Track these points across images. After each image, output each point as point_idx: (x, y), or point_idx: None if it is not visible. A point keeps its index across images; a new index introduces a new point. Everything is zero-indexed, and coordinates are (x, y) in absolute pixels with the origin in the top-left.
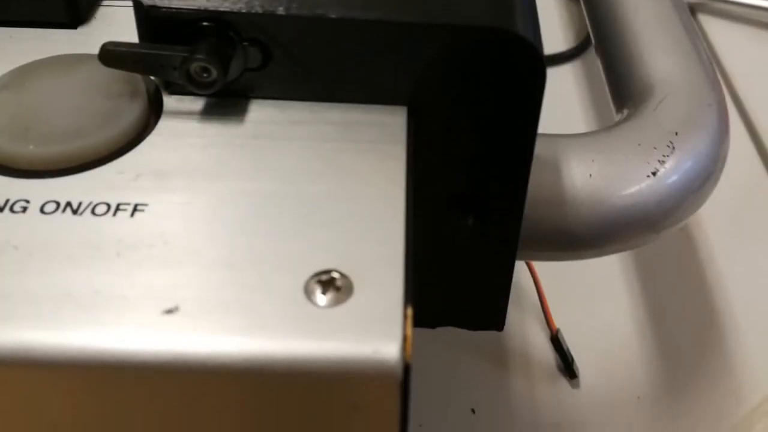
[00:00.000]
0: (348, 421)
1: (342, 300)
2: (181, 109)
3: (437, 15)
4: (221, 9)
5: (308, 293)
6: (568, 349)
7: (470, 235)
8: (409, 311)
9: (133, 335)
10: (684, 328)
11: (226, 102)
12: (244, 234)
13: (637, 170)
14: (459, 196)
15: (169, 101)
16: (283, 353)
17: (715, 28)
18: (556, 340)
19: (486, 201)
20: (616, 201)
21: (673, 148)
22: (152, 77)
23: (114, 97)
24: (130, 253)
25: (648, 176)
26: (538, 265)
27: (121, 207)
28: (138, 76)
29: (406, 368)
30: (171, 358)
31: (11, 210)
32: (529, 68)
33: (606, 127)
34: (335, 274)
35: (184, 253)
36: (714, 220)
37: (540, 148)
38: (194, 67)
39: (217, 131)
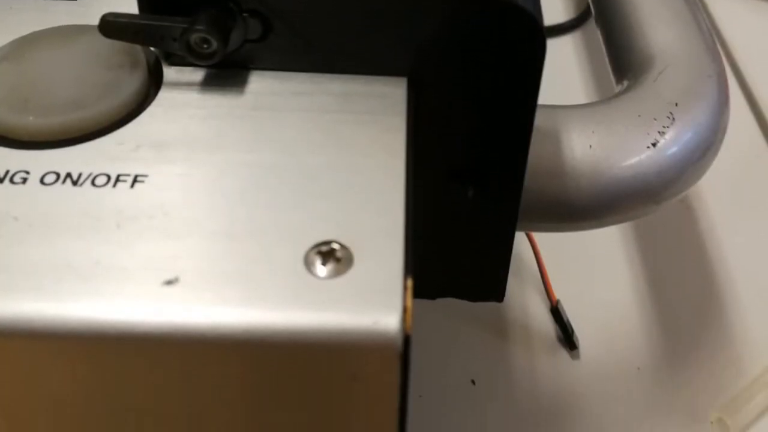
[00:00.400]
0: (348, 392)
1: (342, 271)
2: (181, 81)
3: None
4: None
5: (308, 264)
6: (568, 320)
7: (470, 206)
8: (409, 282)
9: (134, 306)
10: (684, 299)
11: (226, 73)
12: (244, 205)
13: (637, 141)
14: (459, 168)
15: (169, 72)
16: (283, 324)
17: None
18: (556, 312)
19: (486, 172)
20: (616, 172)
21: (673, 119)
22: (152, 48)
23: (114, 68)
24: (130, 224)
25: (648, 147)
26: (538, 237)
27: (121, 178)
28: (138, 47)
29: (406, 339)
30: (171, 329)
31: (11, 181)
32: (529, 39)
33: (606, 99)
34: (335, 245)
35: (184, 224)
36: (714, 192)
37: (540, 120)
38: (194, 38)
39: (217, 102)
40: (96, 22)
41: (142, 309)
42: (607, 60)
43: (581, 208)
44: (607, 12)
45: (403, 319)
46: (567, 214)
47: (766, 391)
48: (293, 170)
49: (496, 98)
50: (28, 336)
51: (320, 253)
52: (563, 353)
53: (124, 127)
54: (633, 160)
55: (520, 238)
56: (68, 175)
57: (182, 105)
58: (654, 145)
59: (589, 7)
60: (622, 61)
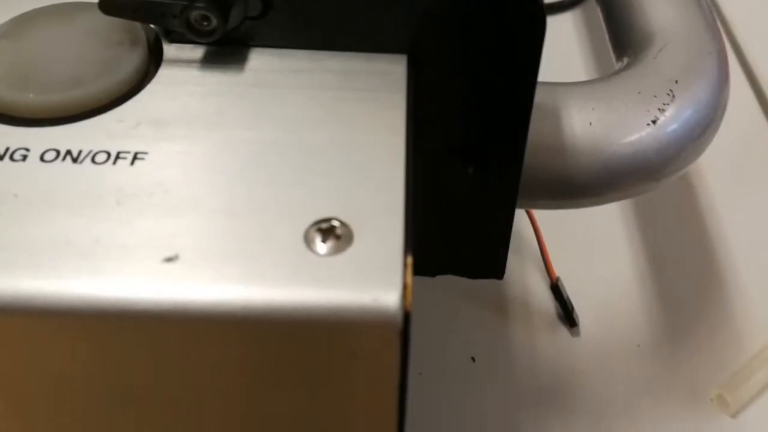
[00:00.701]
0: (348, 369)
1: (342, 248)
2: (181, 58)
3: None
4: None
5: (308, 242)
6: (568, 297)
7: (470, 183)
8: (409, 260)
9: (133, 283)
10: (684, 276)
11: (226, 50)
12: (244, 182)
13: (637, 118)
14: (459, 145)
15: (169, 50)
16: (283, 301)
17: None
18: (556, 289)
19: (486, 150)
20: (616, 149)
21: (673, 96)
22: (152, 26)
23: (114, 46)
24: (130, 201)
25: (648, 124)
26: (539, 214)
27: (121, 155)
28: (138, 25)
29: (406, 316)
30: (171, 307)
31: (11, 158)
32: (529, 17)
33: (606, 76)
34: (335, 223)
35: (183, 202)
36: (714, 169)
37: (540, 97)
38: (194, 15)
39: (217, 80)
40: None
41: (142, 286)
42: (607, 37)
43: (581, 184)
44: None
45: (403, 297)
46: (567, 191)
47: (766, 367)
48: (293, 147)
49: (496, 75)
50: (28, 313)
51: (320, 230)
52: (563, 330)
53: (123, 105)
54: (633, 137)
55: (520, 216)
56: (68, 152)
57: (182, 82)
58: (654, 122)
59: None
60: (622, 38)
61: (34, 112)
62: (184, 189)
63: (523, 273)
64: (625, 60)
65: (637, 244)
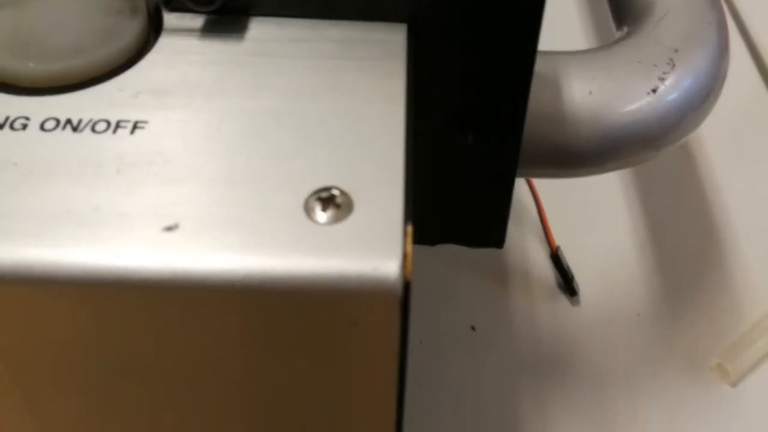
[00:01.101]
0: (348, 338)
1: (342, 217)
2: (181, 27)
3: None
4: None
5: (308, 210)
6: (568, 266)
7: (470, 152)
8: (410, 228)
9: (133, 252)
10: (684, 245)
11: (226, 19)
12: (244, 151)
13: (637, 87)
14: (459, 113)
15: (169, 18)
16: (283, 270)
17: None
18: (556, 258)
19: (486, 118)
20: (616, 118)
21: (673, 65)
22: None
23: (114, 14)
24: (130, 170)
25: (648, 93)
26: (539, 183)
27: (121, 124)
28: None
29: (406, 285)
30: (171, 275)
31: (11, 127)
32: None
33: (606, 45)
34: (335, 192)
35: (184, 171)
36: (714, 138)
37: (540, 66)
38: None
39: (217, 49)
40: None
41: (142, 255)
42: (607, 6)
43: (581, 153)
44: None
45: (403, 265)
46: (567, 159)
47: (766, 336)
48: (293, 117)
49: (496, 44)
50: (28, 282)
51: (320, 199)
52: (563, 299)
53: (124, 74)
54: (633, 106)
55: (520, 185)
56: (68, 121)
57: (182, 51)
58: (654, 91)
59: None
60: (623, 7)
61: (34, 81)
62: (184, 158)
63: (523, 242)
64: (625, 29)
65: (637, 213)
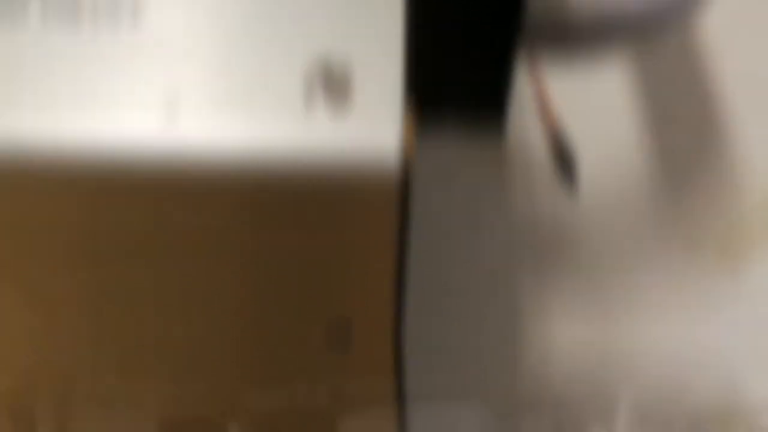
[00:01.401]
0: (348, 223)
1: (341, 98)
2: None
3: None
4: None
5: (308, 90)
6: (568, 151)
7: (471, 26)
8: (410, 109)
9: (132, 133)
10: (684, 126)
11: None
12: (245, 28)
13: None
14: None
15: None
16: (283, 151)
17: None
18: (556, 143)
19: None
20: None
21: None
22: None
23: None
24: (130, 50)
25: None
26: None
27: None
28: None
29: (407, 167)
30: (170, 157)
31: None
32: None
33: None
34: (335, 70)
35: (184, 51)
36: (715, 13)
37: None
38: None
39: None
40: None
41: (142, 136)
42: None
43: (582, 29)
44: None
45: (404, 147)
46: (568, 35)
47: (765, 217)
48: None
49: None
50: (28, 167)
51: (319, 79)
52: (563, 185)
53: None
54: None
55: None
56: None
57: None
58: None
59: None
60: None
61: None
62: (184, 37)
63: (524, 128)
64: None
65: (636, 96)
